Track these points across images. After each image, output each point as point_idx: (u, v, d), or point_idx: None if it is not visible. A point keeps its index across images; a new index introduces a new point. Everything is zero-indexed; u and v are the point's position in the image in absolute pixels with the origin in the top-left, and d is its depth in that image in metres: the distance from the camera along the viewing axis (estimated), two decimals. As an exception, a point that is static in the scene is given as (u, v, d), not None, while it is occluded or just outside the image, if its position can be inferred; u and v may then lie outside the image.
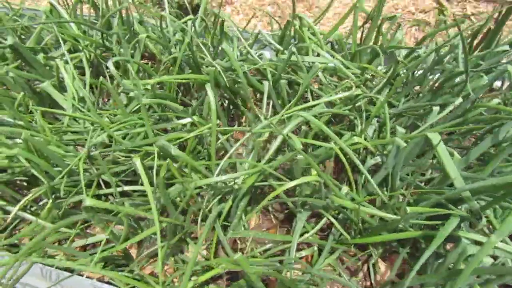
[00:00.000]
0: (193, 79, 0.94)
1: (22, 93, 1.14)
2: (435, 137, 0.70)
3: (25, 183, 1.01)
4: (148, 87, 1.01)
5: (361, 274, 0.92)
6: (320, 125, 0.76)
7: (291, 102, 0.97)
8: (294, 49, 0.93)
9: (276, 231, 0.99)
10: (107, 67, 1.37)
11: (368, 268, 0.91)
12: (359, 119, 0.94)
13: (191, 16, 1.30)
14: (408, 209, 0.60)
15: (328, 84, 1.10)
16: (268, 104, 1.03)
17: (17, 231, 1.01)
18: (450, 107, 0.79)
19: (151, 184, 0.97)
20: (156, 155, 0.79)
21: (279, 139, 0.77)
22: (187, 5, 1.48)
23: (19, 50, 1.05)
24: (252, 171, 0.74)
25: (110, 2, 1.56)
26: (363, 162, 0.88)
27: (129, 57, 1.28)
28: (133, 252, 1.00)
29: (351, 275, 0.92)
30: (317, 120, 0.76)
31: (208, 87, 0.81)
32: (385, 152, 0.81)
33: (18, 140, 0.95)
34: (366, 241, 0.77)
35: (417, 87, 1.15)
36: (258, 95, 1.32)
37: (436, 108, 0.80)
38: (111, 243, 0.97)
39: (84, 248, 0.98)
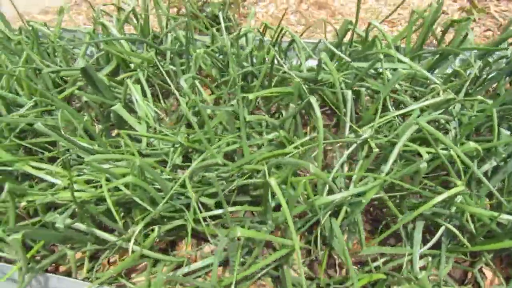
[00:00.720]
0: (280, 92, 0.91)
1: (86, 117, 1.10)
2: None
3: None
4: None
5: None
6: (436, 133, 0.74)
7: (379, 110, 0.95)
8: (381, 56, 0.91)
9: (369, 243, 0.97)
10: (159, 85, 1.34)
11: (473, 275, 0.89)
12: (451, 124, 0.93)
13: (248, 28, 1.28)
14: None
15: (403, 90, 1.09)
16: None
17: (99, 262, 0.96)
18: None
19: (250, 202, 0.94)
20: (266, 173, 0.76)
21: (397, 148, 0.74)
22: (233, 20, 1.46)
23: (88, 73, 1.01)
24: (376, 183, 0.71)
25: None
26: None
27: (183, 73, 1.25)
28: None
29: (458, 283, 0.90)
30: (433, 129, 0.74)
31: (313, 100, 0.79)
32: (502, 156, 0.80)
33: (104, 166, 0.91)
34: (493, 247, 0.74)
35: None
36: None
37: (544, 108, 0.79)
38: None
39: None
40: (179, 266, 0.91)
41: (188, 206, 0.92)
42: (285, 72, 0.98)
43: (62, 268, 0.98)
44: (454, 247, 0.84)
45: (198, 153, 1.06)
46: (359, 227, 0.75)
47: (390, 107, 1.04)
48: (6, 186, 0.74)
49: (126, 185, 0.80)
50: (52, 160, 1.01)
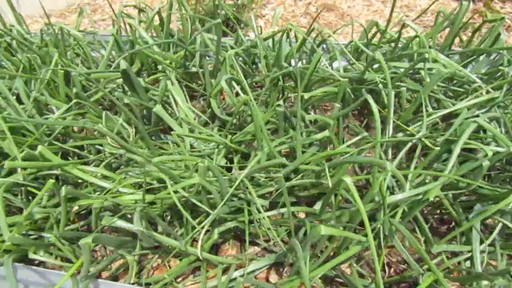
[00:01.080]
0: (328, 92, 0.91)
1: (120, 120, 1.09)
2: None
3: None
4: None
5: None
6: (495, 132, 0.75)
7: (424, 110, 0.96)
8: (426, 55, 0.92)
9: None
10: (186, 86, 1.33)
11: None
12: (496, 122, 0.94)
13: (278, 28, 1.28)
14: None
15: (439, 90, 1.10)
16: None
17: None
18: None
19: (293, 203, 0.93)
20: (327, 172, 0.76)
21: (459, 146, 0.75)
22: (254, 21, 1.46)
23: (128, 74, 0.99)
24: (439, 182, 0.71)
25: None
26: None
27: (208, 75, 1.24)
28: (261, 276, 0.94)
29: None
30: (491, 127, 0.75)
31: (370, 98, 0.79)
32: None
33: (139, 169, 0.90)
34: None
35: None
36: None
37: None
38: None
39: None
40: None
41: (239, 207, 0.91)
42: (316, 71, 0.98)
43: (104, 274, 0.96)
44: (504, 244, 0.85)
45: (239, 153, 1.05)
46: (422, 225, 0.75)
47: (429, 106, 1.05)
48: (63, 190, 0.72)
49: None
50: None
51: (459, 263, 0.82)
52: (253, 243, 1.00)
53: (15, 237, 0.71)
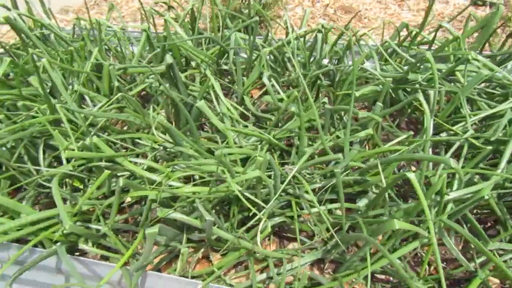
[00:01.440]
0: (370, 92, 0.92)
1: (159, 115, 1.09)
2: None
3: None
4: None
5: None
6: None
7: (465, 110, 0.97)
8: (469, 56, 0.94)
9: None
10: (223, 80, 1.34)
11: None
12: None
13: (304, 27, 1.29)
14: None
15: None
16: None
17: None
18: None
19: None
20: (380, 169, 0.77)
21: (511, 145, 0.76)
22: (285, 20, 1.47)
23: (173, 69, 1.00)
24: (492, 181, 0.73)
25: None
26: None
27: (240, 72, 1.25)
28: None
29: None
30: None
31: (421, 97, 0.80)
32: None
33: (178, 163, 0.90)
34: None
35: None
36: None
37: None
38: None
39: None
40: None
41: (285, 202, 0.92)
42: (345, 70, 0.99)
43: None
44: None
45: (278, 150, 1.06)
46: (473, 224, 0.76)
47: (465, 107, 1.06)
48: (121, 181, 0.73)
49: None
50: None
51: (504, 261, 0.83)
52: (290, 239, 1.01)
53: (74, 227, 0.71)
